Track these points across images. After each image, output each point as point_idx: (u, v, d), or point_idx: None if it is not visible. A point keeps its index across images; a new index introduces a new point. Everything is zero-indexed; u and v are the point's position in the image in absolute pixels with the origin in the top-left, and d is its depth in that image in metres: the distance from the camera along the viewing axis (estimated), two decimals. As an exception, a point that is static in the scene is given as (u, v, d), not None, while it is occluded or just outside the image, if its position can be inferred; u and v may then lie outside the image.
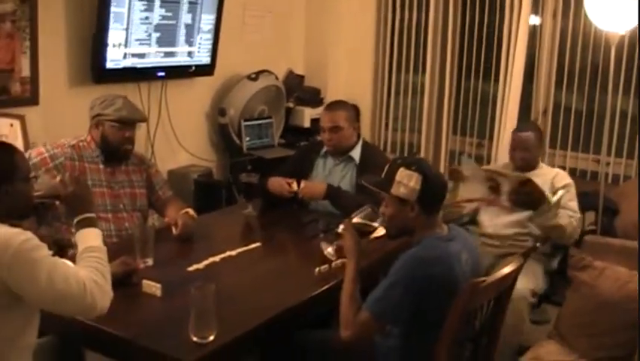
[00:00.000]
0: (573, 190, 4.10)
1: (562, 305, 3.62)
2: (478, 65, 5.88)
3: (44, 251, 2.25)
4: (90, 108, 3.65)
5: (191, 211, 3.65)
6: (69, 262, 2.32)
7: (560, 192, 3.84)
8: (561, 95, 5.55)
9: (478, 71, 5.89)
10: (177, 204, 3.75)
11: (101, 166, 3.62)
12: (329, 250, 3.14)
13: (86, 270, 2.30)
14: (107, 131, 3.58)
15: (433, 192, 2.73)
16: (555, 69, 5.52)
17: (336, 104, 4.21)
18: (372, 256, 3.24)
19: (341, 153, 4.12)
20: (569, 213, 3.91)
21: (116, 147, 3.61)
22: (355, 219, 3.03)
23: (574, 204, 4.05)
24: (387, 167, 2.83)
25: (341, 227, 3.03)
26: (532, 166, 4.22)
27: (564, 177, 4.17)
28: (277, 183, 4.02)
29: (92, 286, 2.26)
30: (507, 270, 2.73)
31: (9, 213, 2.34)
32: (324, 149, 4.18)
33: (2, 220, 2.29)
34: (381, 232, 3.08)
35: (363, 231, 2.97)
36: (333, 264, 3.15)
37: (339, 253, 3.08)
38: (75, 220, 2.52)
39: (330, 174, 4.13)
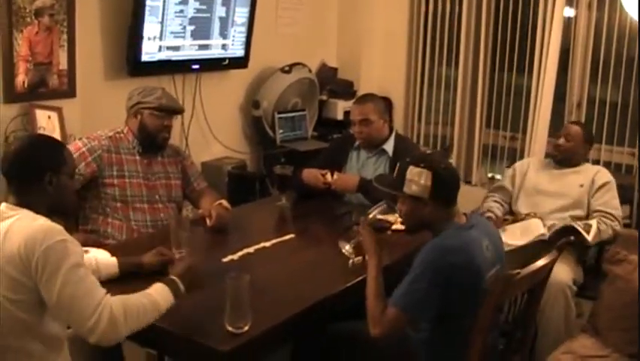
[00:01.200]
0: (614, 188, 4.17)
1: (596, 299, 3.61)
2: (512, 57, 5.83)
3: (76, 258, 2.24)
4: (128, 99, 3.68)
5: (225, 203, 3.68)
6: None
7: (593, 229, 3.86)
8: (596, 88, 5.49)
9: (511, 64, 5.85)
10: (212, 196, 3.78)
11: (138, 157, 3.66)
12: (347, 247, 3.13)
13: (119, 301, 2.26)
14: (145, 119, 3.61)
15: (445, 186, 2.74)
16: (590, 61, 5.47)
17: (366, 97, 4.22)
18: (396, 252, 3.24)
19: (373, 145, 4.12)
20: (603, 221, 3.99)
21: (154, 136, 3.64)
22: (371, 216, 3.03)
23: (616, 202, 4.12)
24: (397, 167, 2.85)
25: (359, 226, 3.03)
26: (573, 162, 4.28)
27: (605, 175, 4.21)
28: (311, 175, 4.04)
29: (107, 316, 2.20)
30: (541, 262, 2.73)
31: (51, 209, 2.37)
32: (357, 143, 4.18)
33: (43, 214, 2.32)
34: (400, 225, 3.10)
35: (381, 227, 2.97)
36: (367, 256, 3.16)
37: (358, 250, 3.08)
38: (175, 277, 2.49)
39: (364, 166, 4.14)
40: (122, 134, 3.67)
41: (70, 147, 3.46)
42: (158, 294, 2.39)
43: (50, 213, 2.36)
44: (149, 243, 3.04)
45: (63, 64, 4.20)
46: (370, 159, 4.14)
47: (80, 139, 3.62)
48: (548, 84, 5.46)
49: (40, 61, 4.08)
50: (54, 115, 4.03)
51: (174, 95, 4.77)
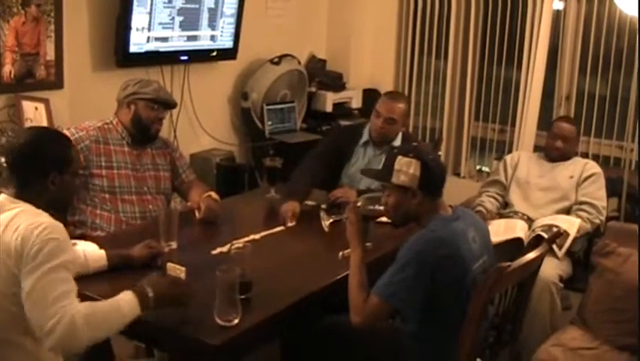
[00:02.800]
0: (602, 179, 4.21)
1: (584, 292, 3.61)
2: (501, 50, 5.84)
3: (64, 259, 2.21)
4: (123, 89, 3.65)
5: (214, 194, 3.67)
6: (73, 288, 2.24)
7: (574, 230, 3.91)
8: (585, 81, 5.50)
9: (500, 57, 5.86)
10: (201, 188, 3.76)
11: (127, 149, 3.64)
12: (325, 223, 3.11)
13: (84, 310, 2.17)
14: (140, 110, 3.59)
15: (433, 177, 2.73)
16: (579, 54, 5.48)
17: (399, 96, 4.21)
18: (387, 244, 3.23)
19: (385, 142, 4.10)
20: (583, 214, 4.05)
21: (147, 127, 3.62)
22: (360, 203, 3.02)
23: (600, 193, 4.16)
24: (384, 158, 2.85)
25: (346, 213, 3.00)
26: (566, 157, 4.33)
27: (593, 167, 4.26)
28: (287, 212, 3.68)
29: (67, 322, 2.12)
30: (532, 255, 2.73)
31: (49, 204, 2.36)
32: (365, 138, 4.15)
33: (43, 209, 2.31)
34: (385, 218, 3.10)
35: (369, 215, 2.95)
36: (346, 252, 3.16)
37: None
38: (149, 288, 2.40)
39: (370, 163, 4.09)
40: (110, 125, 3.64)
41: None
42: (127, 305, 2.30)
43: (48, 206, 2.34)
44: (138, 235, 3.02)
45: (50, 55, 4.17)
46: (378, 156, 4.08)
47: (68, 129, 3.58)
48: (537, 77, 5.47)
49: (27, 51, 4.05)
50: (41, 106, 4.00)
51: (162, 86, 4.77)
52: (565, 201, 4.17)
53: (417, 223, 2.79)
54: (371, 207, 2.99)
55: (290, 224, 3.58)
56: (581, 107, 5.51)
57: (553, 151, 4.33)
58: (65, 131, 3.49)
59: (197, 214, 3.52)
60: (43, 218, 2.25)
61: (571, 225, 3.92)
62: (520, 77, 5.64)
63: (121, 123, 3.64)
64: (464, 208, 2.93)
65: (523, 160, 4.43)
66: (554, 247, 3.77)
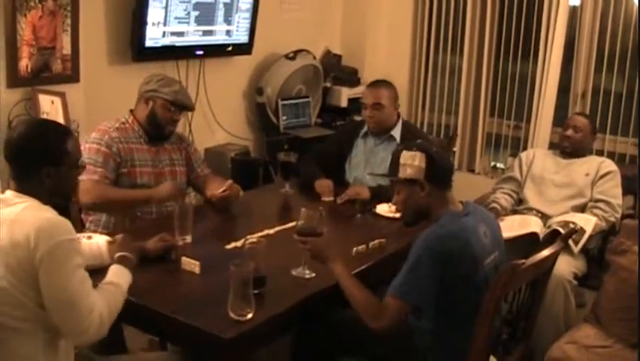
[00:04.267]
0: (618, 177, 4.20)
1: (598, 289, 3.60)
2: (517, 46, 5.81)
3: (80, 260, 2.25)
4: (145, 83, 3.64)
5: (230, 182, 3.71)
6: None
7: (584, 238, 3.89)
8: (601, 78, 5.47)
9: (516, 53, 5.83)
10: (217, 181, 3.76)
11: (145, 146, 3.64)
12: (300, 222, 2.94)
13: (103, 302, 2.28)
14: (157, 108, 3.58)
15: (439, 168, 2.75)
16: (595, 51, 5.45)
17: (380, 83, 4.20)
18: (401, 241, 3.25)
19: (382, 131, 4.11)
20: (599, 212, 4.04)
21: (161, 126, 3.62)
22: (299, 224, 2.88)
23: (616, 191, 4.16)
24: (391, 156, 2.86)
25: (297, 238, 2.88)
26: (581, 153, 4.32)
27: (609, 165, 4.24)
28: (324, 188, 3.98)
29: (96, 319, 2.23)
30: (546, 252, 2.73)
31: (51, 195, 2.35)
32: (364, 129, 4.18)
33: (45, 202, 2.31)
34: (395, 212, 3.12)
35: (312, 232, 2.84)
36: (370, 244, 3.16)
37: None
38: (116, 256, 2.56)
39: (372, 153, 4.12)
40: (127, 125, 3.64)
41: (90, 151, 3.44)
42: (123, 281, 2.45)
43: (50, 199, 2.34)
44: (153, 230, 3.03)
45: (67, 49, 4.18)
46: (378, 145, 4.13)
47: (92, 141, 3.52)
48: (553, 73, 5.45)
49: (43, 45, 4.06)
50: (57, 100, 4.02)
51: (176, 78, 4.79)
52: (580, 198, 4.16)
53: (427, 220, 2.79)
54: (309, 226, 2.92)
55: (328, 198, 3.78)
56: (596, 103, 5.48)
57: (565, 141, 4.34)
58: (92, 145, 3.49)
59: (213, 196, 3.57)
60: (50, 214, 2.25)
61: (587, 222, 3.91)
62: (536, 73, 5.61)
63: (136, 121, 3.64)
64: (475, 204, 2.94)
65: (539, 157, 4.42)
66: (570, 243, 3.77)
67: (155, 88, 3.59)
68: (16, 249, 2.17)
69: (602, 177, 4.15)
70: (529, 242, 3.81)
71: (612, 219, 4.05)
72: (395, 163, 2.80)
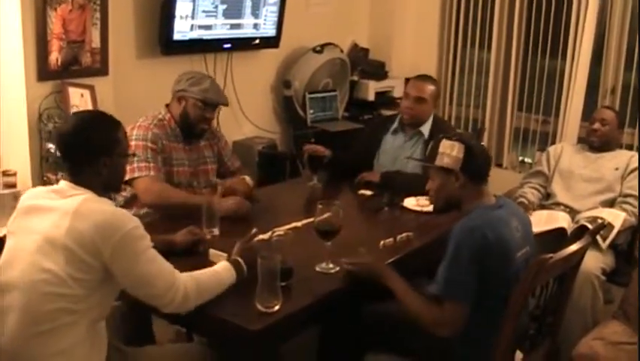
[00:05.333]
0: None
1: (627, 285, 3.58)
2: (546, 40, 5.76)
3: (147, 241, 2.35)
4: (176, 82, 3.63)
5: (247, 179, 3.71)
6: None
7: (612, 235, 3.86)
8: (630, 74, 5.42)
9: (545, 47, 5.78)
10: (241, 184, 3.74)
11: (181, 145, 3.64)
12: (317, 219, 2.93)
13: (192, 281, 2.41)
14: (189, 107, 3.57)
15: (476, 161, 2.75)
16: (625, 46, 5.39)
17: (427, 77, 4.20)
18: (425, 235, 3.28)
19: (414, 125, 4.10)
20: (628, 207, 4.01)
21: (193, 125, 3.61)
22: (316, 220, 2.89)
23: None
24: (431, 143, 2.87)
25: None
26: (608, 146, 4.31)
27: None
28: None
29: (182, 294, 2.36)
30: (574, 247, 2.71)
31: (105, 187, 2.43)
32: (395, 124, 4.16)
33: (100, 194, 2.38)
34: (428, 207, 3.13)
35: (329, 230, 2.87)
36: (398, 238, 3.16)
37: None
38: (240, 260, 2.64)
39: (399, 150, 4.11)
40: (164, 122, 3.61)
41: (138, 149, 3.43)
42: (225, 273, 2.55)
43: (104, 190, 2.42)
44: (181, 223, 3.04)
45: (96, 42, 4.21)
46: (407, 142, 4.11)
47: (136, 138, 3.48)
48: (582, 68, 5.41)
49: (73, 39, 4.09)
50: (86, 93, 4.04)
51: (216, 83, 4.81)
52: (609, 192, 4.14)
53: (459, 210, 2.80)
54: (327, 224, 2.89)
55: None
56: (626, 99, 5.42)
57: (592, 135, 4.33)
58: (139, 142, 3.48)
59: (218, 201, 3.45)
60: (110, 207, 2.34)
61: (615, 217, 3.89)
62: (565, 67, 5.56)
63: (173, 119, 3.62)
64: (507, 198, 2.93)
65: (567, 151, 4.40)
66: (598, 238, 3.74)
67: (185, 87, 3.57)
68: (80, 243, 2.23)
69: (631, 171, 4.12)
70: (556, 237, 3.80)
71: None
72: (434, 150, 2.80)
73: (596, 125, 4.31)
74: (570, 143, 4.85)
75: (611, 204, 4.10)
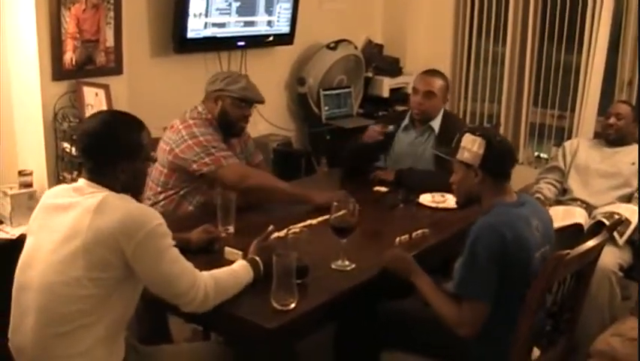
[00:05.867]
0: None
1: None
2: (561, 33, 5.73)
3: (170, 240, 2.34)
4: (211, 82, 3.60)
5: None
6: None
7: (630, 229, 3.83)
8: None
9: (560, 40, 5.75)
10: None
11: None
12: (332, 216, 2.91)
13: (212, 280, 2.41)
14: (227, 107, 3.54)
15: (496, 157, 2.72)
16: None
17: (435, 72, 4.17)
18: (442, 231, 3.26)
19: (424, 121, 4.08)
20: None
21: (233, 124, 3.58)
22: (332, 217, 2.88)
23: None
24: (457, 136, 2.84)
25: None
26: (625, 141, 4.28)
27: None
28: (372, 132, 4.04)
29: (202, 294, 2.36)
30: (591, 243, 2.69)
31: (125, 189, 2.41)
32: (405, 121, 4.15)
33: (119, 192, 2.37)
34: (451, 203, 3.12)
35: (344, 227, 2.85)
36: (414, 234, 3.15)
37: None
38: (258, 258, 2.63)
39: (410, 146, 4.10)
40: (207, 121, 3.54)
41: (204, 144, 3.42)
42: (243, 273, 2.55)
43: (123, 191, 2.40)
44: (196, 221, 3.04)
45: (110, 41, 4.22)
46: (418, 138, 4.10)
47: (202, 133, 3.45)
48: (598, 61, 5.38)
49: (87, 38, 4.10)
50: (101, 92, 4.05)
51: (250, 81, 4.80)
52: (626, 187, 4.11)
53: (480, 205, 2.78)
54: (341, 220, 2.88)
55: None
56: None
57: (608, 129, 4.31)
58: (204, 133, 3.45)
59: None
60: (132, 205, 2.33)
61: (633, 213, 3.86)
62: (581, 61, 5.53)
63: (212, 117, 3.57)
64: (529, 197, 2.91)
65: (583, 146, 4.37)
66: (615, 234, 3.72)
67: (222, 87, 3.54)
68: (101, 240, 2.23)
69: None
70: (573, 233, 3.77)
71: None
72: (458, 143, 2.78)
73: (612, 120, 4.28)
74: (586, 138, 4.82)
75: (628, 199, 4.07)
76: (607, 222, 3.67)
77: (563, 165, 4.36)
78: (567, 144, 4.50)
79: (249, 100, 3.60)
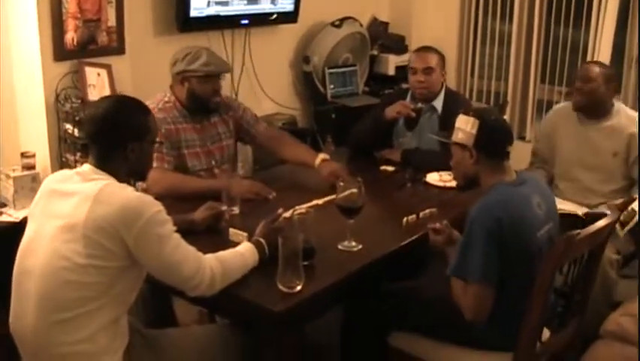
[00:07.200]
0: None
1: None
2: (569, 10, 5.67)
3: (171, 225, 2.33)
4: (172, 65, 3.53)
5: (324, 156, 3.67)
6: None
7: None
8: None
9: (568, 17, 5.69)
10: (295, 144, 3.77)
11: (190, 125, 3.54)
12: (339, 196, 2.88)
13: (217, 263, 2.39)
14: (194, 86, 3.48)
15: (491, 137, 2.69)
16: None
17: (428, 48, 4.13)
18: (449, 211, 3.21)
19: (428, 99, 4.03)
20: None
21: (206, 101, 3.53)
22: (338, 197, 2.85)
23: None
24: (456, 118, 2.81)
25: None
26: (596, 111, 3.88)
27: None
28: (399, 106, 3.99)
29: (208, 277, 2.35)
30: (602, 223, 2.66)
31: (131, 173, 2.44)
32: (407, 99, 4.10)
33: (122, 180, 2.37)
34: (450, 183, 3.14)
35: (352, 207, 2.83)
36: (421, 214, 3.11)
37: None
38: (263, 240, 2.60)
39: (417, 126, 4.05)
40: (169, 104, 3.53)
41: None
42: (249, 255, 2.52)
43: (128, 176, 2.43)
44: (200, 202, 3.00)
45: (112, 20, 4.17)
46: (422, 116, 4.04)
47: None
48: (606, 37, 5.32)
49: (89, 18, 4.05)
50: (103, 72, 4.02)
51: (223, 52, 4.77)
52: (611, 183, 3.89)
53: (479, 186, 2.75)
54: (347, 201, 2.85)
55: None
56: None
57: (578, 94, 3.84)
58: None
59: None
60: (133, 193, 2.31)
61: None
62: (589, 37, 5.47)
63: (178, 100, 3.53)
64: (531, 174, 2.87)
65: (559, 127, 4.06)
66: (618, 227, 3.58)
67: (184, 68, 3.47)
68: (100, 229, 2.22)
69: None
70: (571, 223, 3.60)
71: None
72: (452, 125, 2.77)
73: (578, 85, 3.83)
74: (561, 112, 4.16)
75: (621, 192, 3.86)
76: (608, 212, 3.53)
77: (543, 152, 4.15)
78: (542, 126, 4.28)
79: (214, 74, 3.52)
